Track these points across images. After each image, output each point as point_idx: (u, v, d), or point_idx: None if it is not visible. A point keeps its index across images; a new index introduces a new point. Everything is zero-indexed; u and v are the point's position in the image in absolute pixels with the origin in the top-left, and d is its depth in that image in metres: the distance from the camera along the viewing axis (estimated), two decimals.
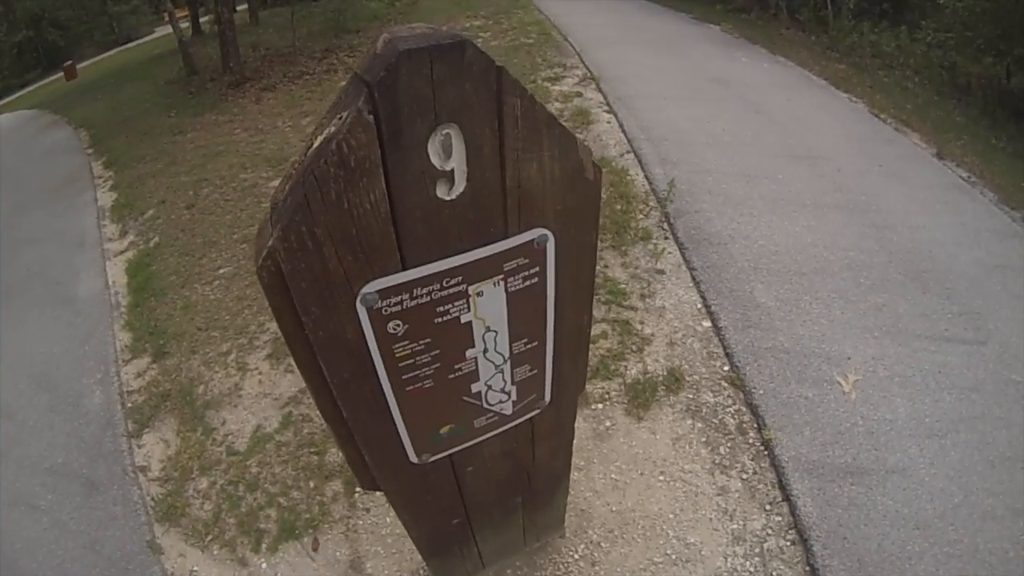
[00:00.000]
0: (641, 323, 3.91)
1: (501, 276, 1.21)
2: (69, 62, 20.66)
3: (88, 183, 7.77)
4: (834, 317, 3.85)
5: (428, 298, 1.16)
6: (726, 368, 3.57)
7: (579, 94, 7.44)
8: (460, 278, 1.17)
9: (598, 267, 4.17)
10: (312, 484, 3.17)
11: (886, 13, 10.51)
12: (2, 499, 3.45)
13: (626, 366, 3.62)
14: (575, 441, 2.02)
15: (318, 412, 1.33)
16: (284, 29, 13.85)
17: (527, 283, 1.26)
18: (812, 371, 3.49)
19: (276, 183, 6.31)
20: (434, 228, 1.08)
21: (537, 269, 1.25)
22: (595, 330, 3.81)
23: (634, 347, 3.74)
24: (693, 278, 4.25)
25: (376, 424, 1.38)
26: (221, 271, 5.04)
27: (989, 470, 3.00)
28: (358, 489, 3.07)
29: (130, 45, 26.20)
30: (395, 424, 1.40)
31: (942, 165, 5.91)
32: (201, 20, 18.77)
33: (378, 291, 1.11)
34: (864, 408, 3.28)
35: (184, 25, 15.71)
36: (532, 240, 1.19)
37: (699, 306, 4.02)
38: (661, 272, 4.33)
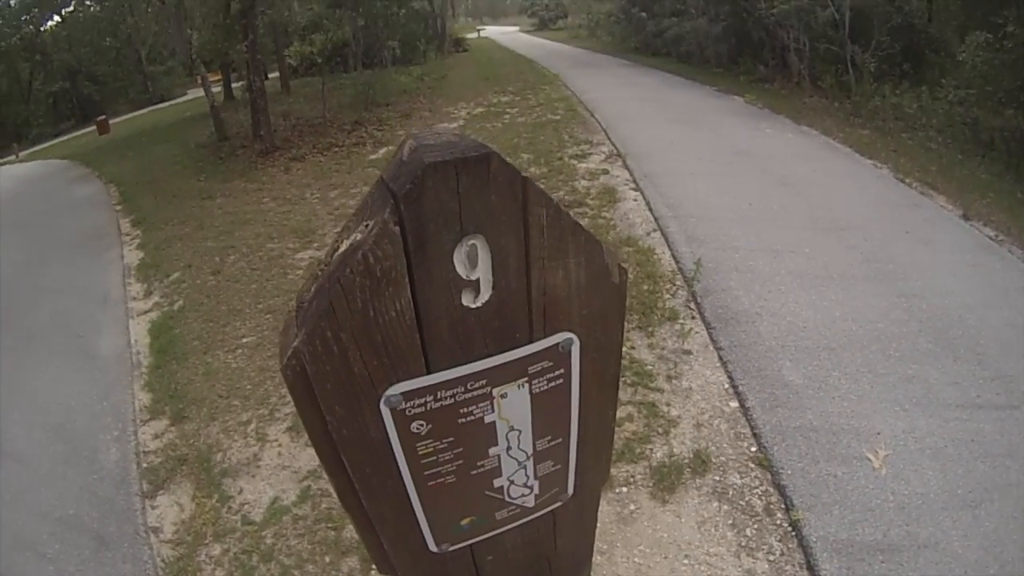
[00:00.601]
0: (667, 405, 3.86)
1: (526, 379, 1.20)
2: (103, 116, 21.38)
3: (115, 239, 7.98)
4: (863, 392, 3.77)
5: (452, 400, 1.16)
6: (753, 449, 3.49)
7: (605, 171, 7.54)
8: (484, 381, 1.16)
9: (624, 348, 4.15)
10: (328, 559, 3.11)
11: (906, 74, 10.60)
12: (10, 543, 3.43)
13: (652, 449, 3.55)
14: (598, 525, 1.98)
15: (338, 499, 1.32)
16: (315, 100, 14.28)
17: (552, 384, 1.25)
18: (841, 448, 3.40)
19: (302, 255, 6.42)
20: (459, 334, 1.08)
21: (562, 371, 1.24)
22: (621, 412, 3.76)
23: (660, 429, 3.67)
24: (720, 358, 4.22)
25: (396, 515, 1.36)
26: (244, 340, 5.08)
27: None
28: (374, 569, 3.02)
29: (163, 105, 27.22)
30: (416, 516, 1.37)
31: (969, 226, 5.90)
32: (233, 86, 19.24)
33: (402, 393, 1.10)
34: (895, 483, 3.19)
35: (216, 90, 16.16)
36: (557, 344, 1.19)
37: (726, 386, 3.97)
38: (688, 353, 4.30)
